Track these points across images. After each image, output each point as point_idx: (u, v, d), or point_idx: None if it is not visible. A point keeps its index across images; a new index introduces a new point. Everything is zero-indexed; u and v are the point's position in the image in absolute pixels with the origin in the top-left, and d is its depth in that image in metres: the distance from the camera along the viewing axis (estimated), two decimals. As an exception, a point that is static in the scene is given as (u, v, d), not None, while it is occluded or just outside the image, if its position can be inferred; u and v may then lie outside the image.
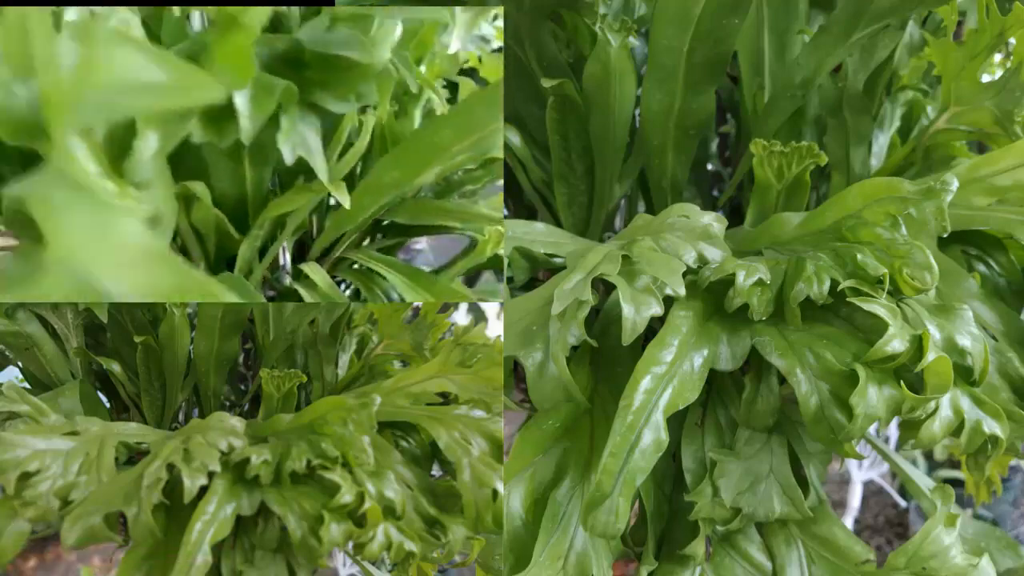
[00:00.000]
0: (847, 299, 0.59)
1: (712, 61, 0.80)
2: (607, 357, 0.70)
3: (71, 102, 0.37)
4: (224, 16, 0.46)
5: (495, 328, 0.77)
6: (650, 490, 0.70)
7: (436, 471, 0.74)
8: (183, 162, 0.54)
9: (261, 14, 0.47)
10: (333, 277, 0.81)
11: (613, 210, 0.93)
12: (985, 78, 0.83)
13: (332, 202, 0.80)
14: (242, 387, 1.06)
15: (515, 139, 0.91)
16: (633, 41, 0.83)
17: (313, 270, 0.77)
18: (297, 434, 0.61)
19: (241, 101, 0.48)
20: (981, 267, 0.78)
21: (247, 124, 0.48)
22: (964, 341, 0.60)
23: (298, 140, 0.53)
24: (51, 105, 0.37)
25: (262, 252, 0.70)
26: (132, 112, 0.42)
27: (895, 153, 0.97)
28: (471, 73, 0.83)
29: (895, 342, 0.56)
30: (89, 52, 0.37)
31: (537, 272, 0.80)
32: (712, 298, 0.63)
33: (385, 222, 0.81)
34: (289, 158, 0.53)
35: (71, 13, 0.45)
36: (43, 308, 0.92)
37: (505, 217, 1.01)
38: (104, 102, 0.37)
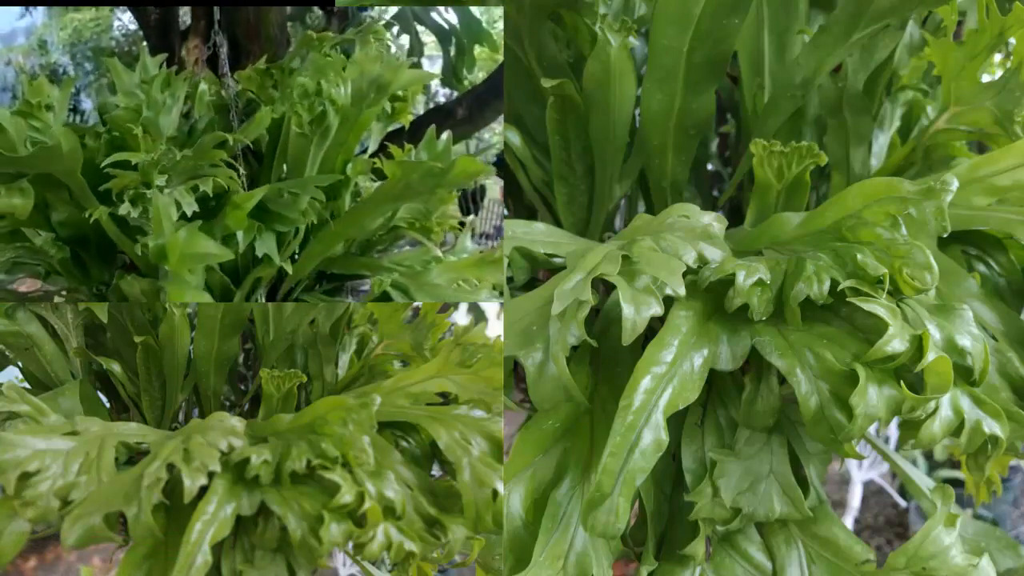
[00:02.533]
0: (847, 299, 0.59)
1: (712, 61, 0.80)
2: (607, 357, 0.70)
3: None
4: (238, 200, 0.96)
5: (495, 328, 0.77)
6: (650, 490, 0.70)
7: (436, 471, 0.74)
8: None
9: (254, 197, 0.97)
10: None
11: (613, 210, 0.93)
12: (985, 78, 0.83)
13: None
14: (242, 387, 1.06)
15: (515, 139, 0.91)
16: (633, 41, 0.83)
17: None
18: (297, 434, 0.61)
19: (240, 235, 0.99)
20: (981, 267, 0.78)
21: (242, 243, 1.00)
22: (964, 341, 0.60)
23: (264, 246, 1.01)
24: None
25: (249, 295, 1.09)
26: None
27: (895, 153, 0.97)
28: (378, 172, 1.16)
29: (895, 342, 0.56)
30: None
31: (537, 272, 0.80)
32: (712, 298, 0.63)
33: (328, 273, 1.19)
34: (260, 252, 1.02)
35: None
36: (43, 308, 0.92)
37: (505, 217, 1.01)
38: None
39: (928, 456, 2.64)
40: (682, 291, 0.59)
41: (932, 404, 0.58)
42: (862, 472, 2.56)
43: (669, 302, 0.60)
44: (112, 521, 0.57)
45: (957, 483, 1.97)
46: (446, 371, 0.72)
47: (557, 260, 0.74)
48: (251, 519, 0.60)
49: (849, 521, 2.55)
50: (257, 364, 1.02)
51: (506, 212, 1.08)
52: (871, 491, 2.94)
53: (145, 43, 1.84)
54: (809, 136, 0.96)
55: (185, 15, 1.83)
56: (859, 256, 0.60)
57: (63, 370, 0.93)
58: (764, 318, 0.62)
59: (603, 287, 0.62)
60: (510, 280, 0.77)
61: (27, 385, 0.94)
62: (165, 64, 1.14)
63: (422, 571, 0.89)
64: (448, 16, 2.46)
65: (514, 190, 1.00)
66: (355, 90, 1.08)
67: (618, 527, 0.58)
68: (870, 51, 0.93)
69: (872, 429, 0.61)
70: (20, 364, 0.94)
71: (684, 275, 0.60)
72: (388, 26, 2.47)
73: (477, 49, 2.38)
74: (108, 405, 0.96)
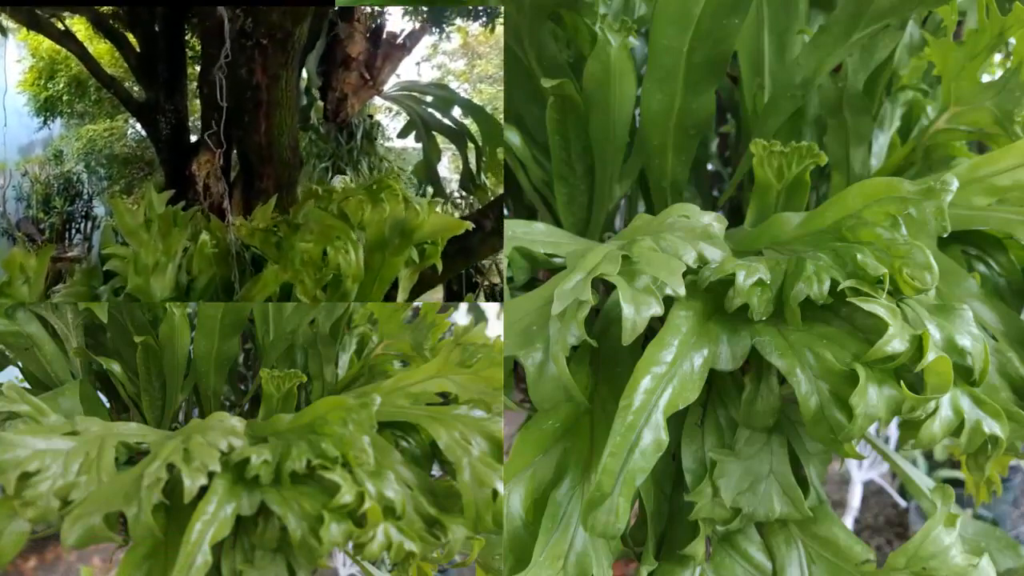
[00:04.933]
0: (847, 299, 0.59)
1: (712, 61, 0.80)
2: (607, 357, 0.70)
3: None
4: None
5: (495, 328, 0.77)
6: (650, 490, 0.70)
7: (436, 471, 0.74)
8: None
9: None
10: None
11: (613, 210, 0.93)
12: (985, 78, 0.83)
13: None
14: (242, 387, 1.06)
15: (515, 139, 0.91)
16: (633, 41, 0.82)
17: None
18: (297, 434, 0.61)
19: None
20: (981, 267, 0.78)
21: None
22: (964, 341, 0.60)
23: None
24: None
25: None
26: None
27: (895, 153, 0.97)
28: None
29: (895, 342, 0.56)
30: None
31: (537, 272, 0.80)
32: (712, 298, 0.63)
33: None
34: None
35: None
36: (43, 308, 0.92)
37: (505, 217, 1.01)
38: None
39: (928, 456, 2.63)
40: (682, 291, 0.59)
41: (932, 404, 0.58)
42: (862, 472, 2.56)
43: (669, 302, 0.60)
44: (112, 521, 0.57)
45: (957, 483, 1.97)
46: (446, 371, 0.72)
47: (557, 260, 0.74)
48: (251, 519, 0.60)
49: (849, 521, 2.55)
50: (257, 364, 1.02)
51: (506, 212, 1.08)
52: (871, 491, 2.93)
53: (156, 154, 1.90)
54: (809, 136, 0.96)
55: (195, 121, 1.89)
56: (859, 256, 0.60)
57: (63, 370, 0.93)
58: (764, 318, 0.62)
59: (603, 287, 0.62)
60: (510, 280, 0.77)
61: (27, 385, 0.94)
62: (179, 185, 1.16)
63: (422, 571, 0.89)
64: (463, 119, 2.45)
65: (514, 190, 1.00)
66: (376, 236, 0.99)
67: (618, 527, 0.58)
68: (870, 51, 0.93)
69: (872, 429, 0.61)
70: (20, 364, 0.94)
71: (684, 275, 0.60)
72: (404, 133, 2.46)
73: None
74: (108, 405, 0.96)
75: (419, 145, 2.47)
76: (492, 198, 2.33)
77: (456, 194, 2.56)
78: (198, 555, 0.55)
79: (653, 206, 0.92)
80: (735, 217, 0.83)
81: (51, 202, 3.27)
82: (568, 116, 0.86)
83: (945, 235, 0.61)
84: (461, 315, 1.70)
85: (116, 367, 0.91)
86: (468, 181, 2.33)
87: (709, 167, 1.10)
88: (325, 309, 0.95)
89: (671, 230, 0.65)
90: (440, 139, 2.44)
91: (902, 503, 2.87)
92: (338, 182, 2.40)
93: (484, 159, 2.32)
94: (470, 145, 2.36)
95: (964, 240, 0.77)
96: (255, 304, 0.97)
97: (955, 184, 0.61)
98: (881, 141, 0.98)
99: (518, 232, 0.74)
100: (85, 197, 3.31)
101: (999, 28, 0.79)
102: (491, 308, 1.63)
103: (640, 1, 0.97)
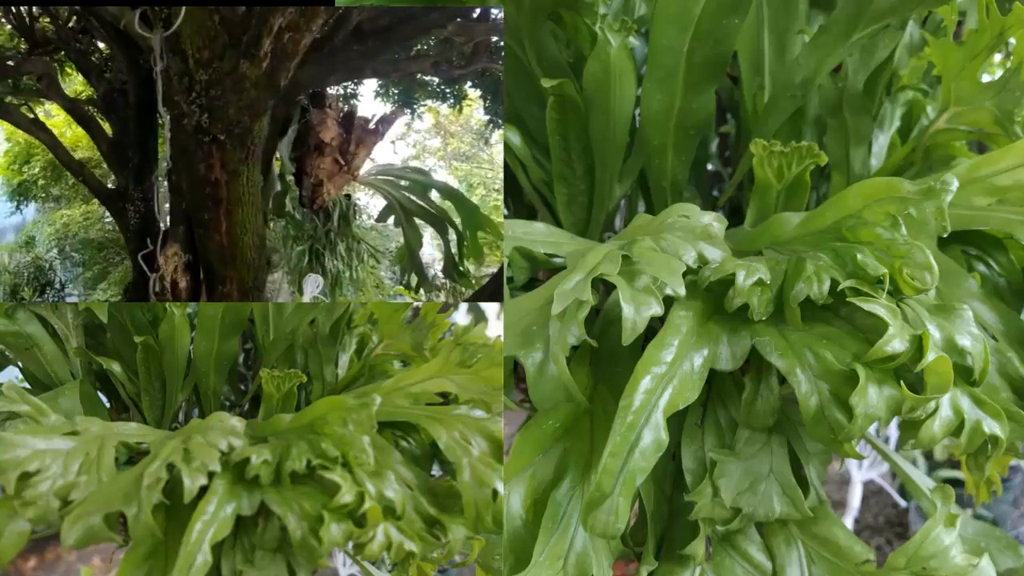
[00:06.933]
0: (847, 299, 0.59)
1: (712, 61, 0.80)
2: (607, 357, 0.70)
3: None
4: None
5: (495, 328, 0.77)
6: (650, 490, 0.70)
7: (436, 471, 0.74)
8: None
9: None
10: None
11: (613, 210, 0.93)
12: (985, 78, 0.83)
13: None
14: (242, 387, 1.06)
15: (515, 139, 0.91)
16: (633, 41, 0.83)
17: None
18: (297, 434, 0.61)
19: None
20: (981, 267, 0.78)
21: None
22: (964, 341, 0.60)
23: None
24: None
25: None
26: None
27: (895, 153, 0.97)
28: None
29: (895, 342, 0.56)
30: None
31: (537, 272, 0.80)
32: (712, 298, 0.63)
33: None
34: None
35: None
36: (43, 308, 0.92)
37: (505, 217, 1.01)
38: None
39: (928, 456, 2.63)
40: (682, 291, 0.59)
41: (932, 404, 0.58)
42: (862, 472, 2.56)
43: (669, 302, 0.60)
44: (112, 521, 0.57)
45: (957, 483, 1.97)
46: (446, 371, 0.72)
47: (557, 260, 0.74)
48: (251, 519, 0.60)
49: (849, 521, 2.55)
50: (257, 364, 1.02)
51: (506, 212, 1.08)
52: (871, 491, 2.93)
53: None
54: (809, 136, 0.96)
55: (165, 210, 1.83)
56: (859, 256, 0.60)
57: (63, 370, 0.93)
58: (764, 318, 0.62)
59: (603, 287, 0.62)
60: (510, 280, 0.77)
61: (27, 385, 0.94)
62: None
63: (422, 571, 0.89)
64: (443, 203, 2.42)
65: (514, 190, 1.00)
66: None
67: (618, 527, 0.58)
68: (870, 51, 0.93)
69: (872, 429, 0.61)
70: (20, 364, 0.94)
71: (684, 275, 0.60)
72: (382, 218, 2.47)
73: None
74: (108, 405, 0.96)
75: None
76: (475, 284, 2.32)
77: (439, 279, 2.54)
78: (198, 555, 0.55)
79: (653, 206, 0.92)
80: (735, 217, 0.83)
81: (19, 293, 3.06)
82: (568, 116, 0.86)
83: (945, 235, 0.61)
84: (461, 315, 1.70)
85: (116, 367, 0.91)
86: (451, 268, 2.32)
87: (709, 167, 1.10)
88: (325, 309, 0.95)
89: (671, 230, 0.65)
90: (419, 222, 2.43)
91: (902, 503, 2.87)
92: (311, 290, 2.34)
93: (466, 244, 2.31)
94: (450, 230, 2.35)
95: (964, 240, 0.77)
96: (255, 304, 0.97)
97: (955, 184, 0.61)
98: (881, 141, 0.98)
99: (518, 232, 0.74)
100: (56, 286, 3.10)
101: (999, 28, 0.79)
102: (491, 308, 1.63)
103: (640, 1, 0.97)
